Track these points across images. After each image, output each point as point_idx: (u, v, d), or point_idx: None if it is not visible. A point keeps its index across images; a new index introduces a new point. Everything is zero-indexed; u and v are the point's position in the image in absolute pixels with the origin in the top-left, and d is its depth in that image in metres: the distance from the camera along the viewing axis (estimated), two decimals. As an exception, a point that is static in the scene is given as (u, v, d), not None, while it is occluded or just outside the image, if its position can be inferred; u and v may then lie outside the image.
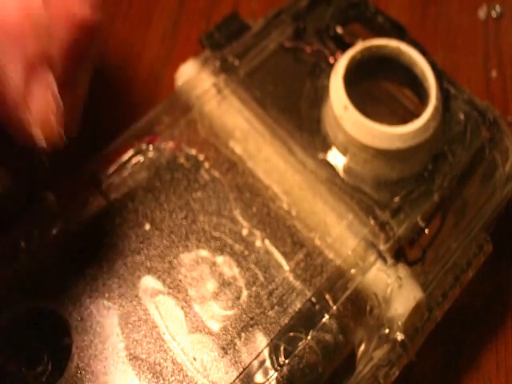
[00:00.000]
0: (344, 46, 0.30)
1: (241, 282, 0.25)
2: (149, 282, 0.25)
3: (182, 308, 0.25)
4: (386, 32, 0.30)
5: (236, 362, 0.24)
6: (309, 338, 0.24)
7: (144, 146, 0.28)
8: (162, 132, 0.28)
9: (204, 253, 0.26)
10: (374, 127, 0.27)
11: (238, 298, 0.25)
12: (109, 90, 0.36)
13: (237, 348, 0.24)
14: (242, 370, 0.24)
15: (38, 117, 0.20)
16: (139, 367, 0.24)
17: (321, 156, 0.28)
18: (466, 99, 0.29)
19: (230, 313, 0.25)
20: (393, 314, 0.26)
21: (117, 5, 0.38)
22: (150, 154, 0.28)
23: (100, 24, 0.23)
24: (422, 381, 0.30)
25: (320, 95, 0.29)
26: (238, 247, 0.26)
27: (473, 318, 0.31)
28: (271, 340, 0.24)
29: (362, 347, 0.25)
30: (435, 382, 0.30)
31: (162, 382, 0.24)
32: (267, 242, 0.26)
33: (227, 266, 0.26)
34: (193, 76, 0.29)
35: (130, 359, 0.24)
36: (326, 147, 0.28)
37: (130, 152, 0.28)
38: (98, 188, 0.27)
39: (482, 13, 0.38)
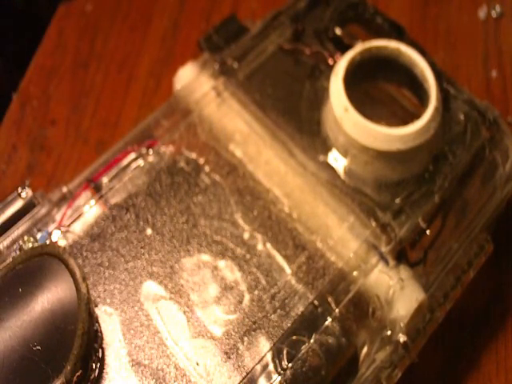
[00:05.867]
0: (343, 48, 0.29)
1: (243, 286, 0.25)
2: (151, 287, 0.25)
3: (185, 313, 0.25)
4: (384, 33, 0.30)
5: (239, 366, 0.24)
6: (312, 341, 0.24)
7: (144, 151, 0.28)
8: (161, 136, 0.28)
9: (205, 257, 0.26)
10: (374, 129, 0.27)
11: (241, 302, 0.25)
12: (109, 89, 0.36)
13: (240, 352, 0.24)
14: (245, 374, 0.24)
15: None
16: (142, 373, 0.24)
17: (321, 158, 0.28)
18: (465, 99, 0.29)
19: (232, 317, 0.25)
20: (395, 315, 0.25)
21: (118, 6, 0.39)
22: (150, 159, 0.27)
23: None
24: (423, 381, 0.30)
25: (320, 97, 0.29)
26: (239, 251, 0.26)
27: (473, 319, 0.31)
28: (274, 344, 0.24)
29: (365, 349, 0.25)
30: (436, 383, 0.30)
31: (165, 387, 0.24)
32: (269, 245, 0.26)
33: (229, 270, 0.26)
34: (192, 79, 0.29)
35: (132, 365, 0.24)
36: (327, 149, 0.28)
37: (130, 156, 0.27)
38: (98, 193, 0.27)
39: (482, 13, 0.38)
